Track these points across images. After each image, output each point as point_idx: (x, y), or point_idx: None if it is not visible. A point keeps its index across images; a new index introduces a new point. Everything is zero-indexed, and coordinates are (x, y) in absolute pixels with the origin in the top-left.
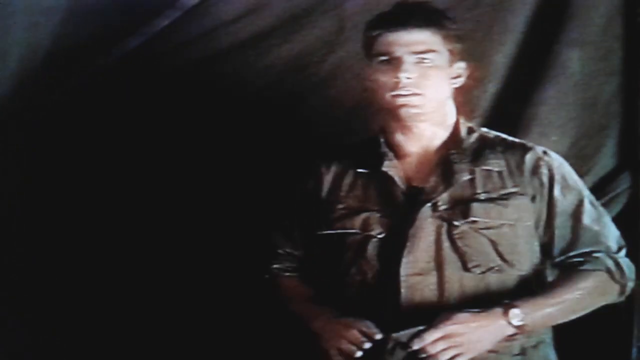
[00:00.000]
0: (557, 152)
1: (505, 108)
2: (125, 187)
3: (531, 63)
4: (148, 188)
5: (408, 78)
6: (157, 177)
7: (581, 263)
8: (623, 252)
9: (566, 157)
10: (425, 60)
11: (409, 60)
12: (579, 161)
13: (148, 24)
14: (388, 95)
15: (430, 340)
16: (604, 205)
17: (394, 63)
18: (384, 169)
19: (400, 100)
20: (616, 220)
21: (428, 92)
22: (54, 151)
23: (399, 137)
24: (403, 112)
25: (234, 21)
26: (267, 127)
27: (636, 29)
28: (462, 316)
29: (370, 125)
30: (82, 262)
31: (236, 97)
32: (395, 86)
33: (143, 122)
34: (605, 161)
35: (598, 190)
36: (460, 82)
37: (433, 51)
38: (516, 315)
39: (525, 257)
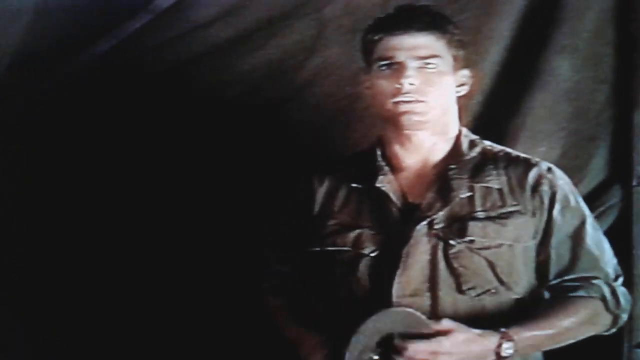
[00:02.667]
0: None
1: (492, 117)
2: (96, 196)
3: (519, 70)
4: (120, 198)
5: (411, 84)
6: (131, 186)
7: (576, 288)
8: (620, 280)
9: None
10: (429, 66)
11: (412, 65)
12: (568, 173)
13: (119, 27)
14: (389, 102)
15: (420, 350)
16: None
17: (396, 68)
18: (377, 184)
19: (403, 108)
20: (606, 235)
21: (431, 99)
22: (22, 155)
23: (397, 149)
24: (405, 119)
25: (209, 24)
26: (244, 136)
27: (628, 35)
28: (459, 335)
29: (352, 132)
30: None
31: (211, 103)
32: (397, 92)
33: (113, 129)
34: (596, 173)
35: (587, 203)
36: (464, 90)
37: (437, 56)
38: (507, 348)
39: (523, 280)
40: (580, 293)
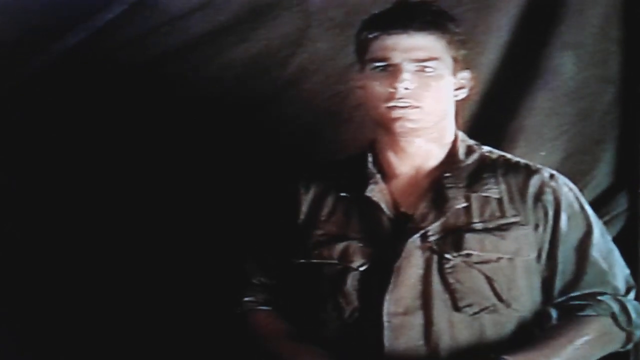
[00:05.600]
0: None
1: (489, 118)
2: (59, 198)
3: (519, 68)
4: (87, 200)
5: (406, 89)
6: (98, 189)
7: (583, 307)
8: (632, 294)
9: None
10: (427, 69)
11: (408, 68)
12: (571, 179)
13: (90, 19)
14: (382, 106)
15: None
16: None
17: (391, 71)
18: (367, 193)
19: (396, 113)
20: None
21: (427, 104)
22: None
23: (390, 155)
24: (398, 126)
25: (186, 16)
26: (223, 136)
27: (636, 31)
28: None
29: (340, 133)
30: None
31: (188, 100)
32: (391, 97)
33: (83, 126)
34: (601, 179)
35: None
36: (463, 93)
37: (436, 59)
38: None
39: (525, 296)
40: (588, 312)
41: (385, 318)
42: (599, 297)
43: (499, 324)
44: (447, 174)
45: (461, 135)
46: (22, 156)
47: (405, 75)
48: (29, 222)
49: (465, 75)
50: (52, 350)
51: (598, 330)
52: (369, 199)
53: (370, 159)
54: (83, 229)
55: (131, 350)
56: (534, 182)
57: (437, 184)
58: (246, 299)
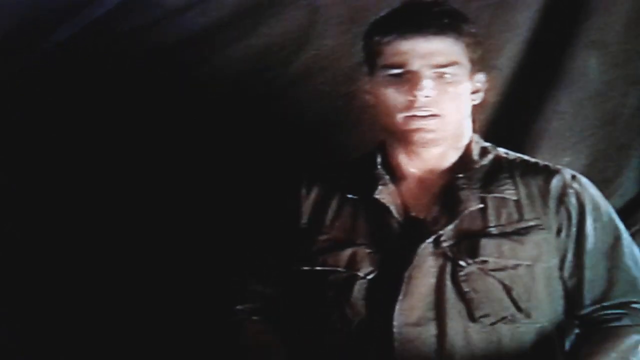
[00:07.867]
0: None
1: (508, 122)
2: (59, 198)
3: (540, 69)
4: (87, 200)
5: (427, 97)
6: (98, 188)
7: (618, 317)
8: None
9: None
10: (446, 75)
11: (427, 74)
12: (597, 186)
13: (80, 13)
14: (399, 116)
15: None
16: None
17: (409, 78)
18: (376, 195)
19: (415, 124)
20: None
21: (448, 112)
22: None
23: (401, 157)
24: (417, 137)
25: (183, 10)
26: (222, 137)
27: None
28: None
29: (346, 136)
30: None
31: (185, 100)
32: (410, 106)
33: (76, 124)
34: (628, 186)
35: None
36: (479, 97)
37: (455, 63)
38: None
39: (545, 306)
40: (626, 322)
41: (395, 329)
42: (634, 305)
43: (517, 335)
44: (460, 175)
45: (475, 137)
46: (22, 156)
47: (426, 83)
48: (29, 222)
49: (480, 78)
50: (52, 350)
51: (633, 340)
52: (377, 201)
53: (379, 159)
54: (83, 229)
55: (129, 351)
56: (556, 184)
57: (449, 186)
58: (239, 307)
